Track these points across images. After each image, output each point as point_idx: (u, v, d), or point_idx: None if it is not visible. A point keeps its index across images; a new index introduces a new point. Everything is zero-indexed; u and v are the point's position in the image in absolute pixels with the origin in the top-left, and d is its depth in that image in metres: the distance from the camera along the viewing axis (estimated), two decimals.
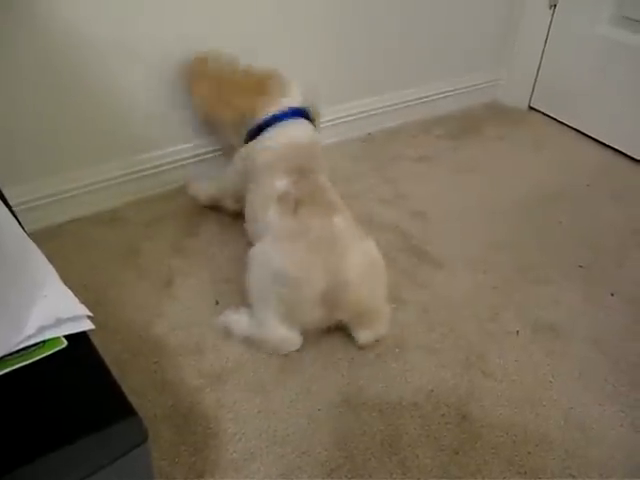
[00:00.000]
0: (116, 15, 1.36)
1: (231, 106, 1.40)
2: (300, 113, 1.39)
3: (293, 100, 1.39)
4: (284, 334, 1.18)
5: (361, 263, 1.16)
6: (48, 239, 1.34)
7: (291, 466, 1.00)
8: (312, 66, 1.76)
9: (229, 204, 1.52)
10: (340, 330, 1.23)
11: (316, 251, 1.13)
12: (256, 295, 1.20)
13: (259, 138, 1.37)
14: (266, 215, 1.22)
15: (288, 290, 1.13)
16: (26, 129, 1.37)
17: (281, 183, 1.24)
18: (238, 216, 1.52)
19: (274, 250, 1.16)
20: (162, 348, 1.20)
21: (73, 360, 0.64)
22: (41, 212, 1.44)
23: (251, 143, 1.38)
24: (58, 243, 1.41)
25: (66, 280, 0.72)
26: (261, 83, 1.40)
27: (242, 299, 1.30)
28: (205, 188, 1.56)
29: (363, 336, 1.21)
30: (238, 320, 1.23)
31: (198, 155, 1.66)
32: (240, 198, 1.42)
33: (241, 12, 1.54)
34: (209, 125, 1.57)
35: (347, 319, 1.19)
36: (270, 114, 1.37)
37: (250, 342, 1.21)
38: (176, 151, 1.62)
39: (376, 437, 1.06)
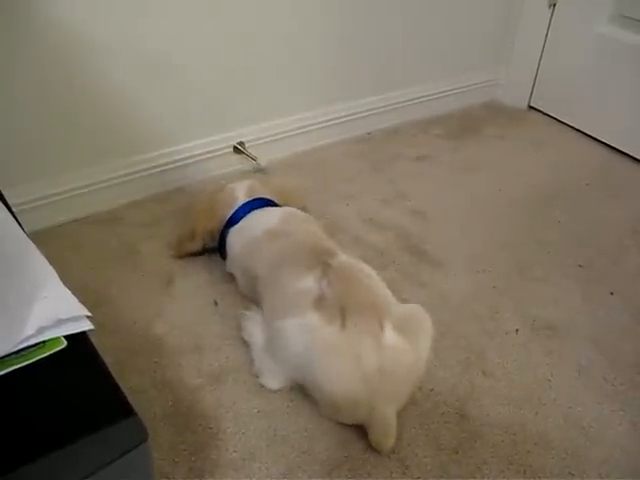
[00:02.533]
0: (114, 15, 1.36)
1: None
2: (262, 202, 1.36)
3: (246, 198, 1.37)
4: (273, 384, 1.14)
5: (406, 382, 1.06)
6: (47, 240, 1.34)
7: (291, 465, 1.01)
8: (312, 66, 1.76)
9: None
10: None
11: (366, 379, 0.99)
12: (279, 362, 1.11)
13: (231, 231, 1.33)
14: (303, 317, 1.05)
15: (326, 399, 1.05)
16: (25, 130, 1.37)
17: (306, 283, 1.09)
18: None
19: (319, 360, 1.02)
20: (161, 348, 1.20)
21: (73, 360, 0.64)
22: (40, 213, 1.44)
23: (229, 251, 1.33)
24: (57, 244, 1.41)
25: (65, 281, 0.72)
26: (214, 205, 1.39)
27: (241, 300, 1.31)
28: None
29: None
30: (257, 330, 1.19)
31: (196, 155, 1.67)
32: None
33: (241, 12, 1.54)
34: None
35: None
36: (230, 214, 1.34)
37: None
38: (175, 151, 1.63)
39: None
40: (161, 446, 1.02)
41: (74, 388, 0.63)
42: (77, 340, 0.66)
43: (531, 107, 2.24)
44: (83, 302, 0.70)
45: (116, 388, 0.63)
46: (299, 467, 1.01)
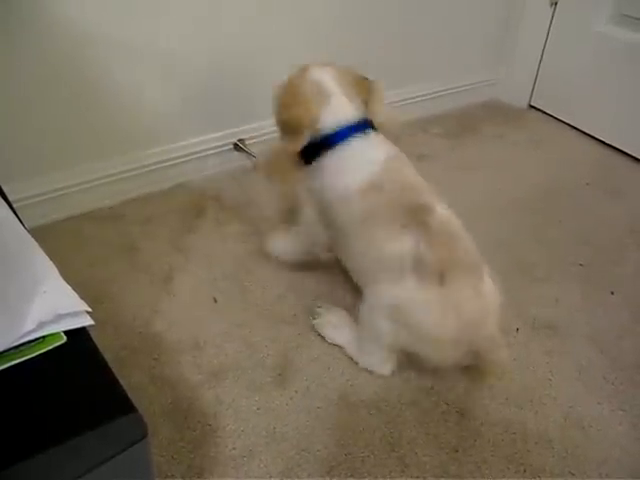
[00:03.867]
0: (117, 13, 1.36)
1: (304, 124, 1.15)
2: (364, 124, 1.16)
3: (343, 107, 1.15)
4: (385, 369, 1.17)
5: (497, 322, 1.09)
6: (47, 236, 1.32)
7: (290, 463, 1.00)
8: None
9: (321, 254, 1.34)
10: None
11: (466, 326, 1.03)
12: (375, 335, 1.12)
13: (324, 167, 1.14)
14: (400, 284, 1.04)
15: (430, 349, 1.08)
16: (24, 126, 1.37)
17: (402, 244, 1.04)
18: (236, 216, 1.52)
19: (422, 315, 1.03)
20: (161, 345, 1.19)
21: (72, 356, 0.64)
22: (39, 209, 1.43)
23: (316, 173, 1.16)
24: (57, 240, 1.41)
25: (65, 277, 0.72)
26: (320, 88, 1.17)
27: (240, 296, 1.30)
28: (287, 249, 1.35)
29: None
30: (339, 330, 1.22)
31: (196, 152, 1.66)
32: (328, 247, 1.28)
33: (242, 10, 1.53)
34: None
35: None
36: (342, 123, 1.14)
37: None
38: (174, 148, 1.62)
39: (375, 435, 1.06)
40: (160, 443, 1.01)
41: (74, 383, 0.62)
42: (77, 335, 0.66)
43: (531, 106, 2.24)
44: (83, 298, 0.69)
45: (116, 384, 0.63)
46: (298, 465, 1.00)
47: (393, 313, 1.06)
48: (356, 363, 1.18)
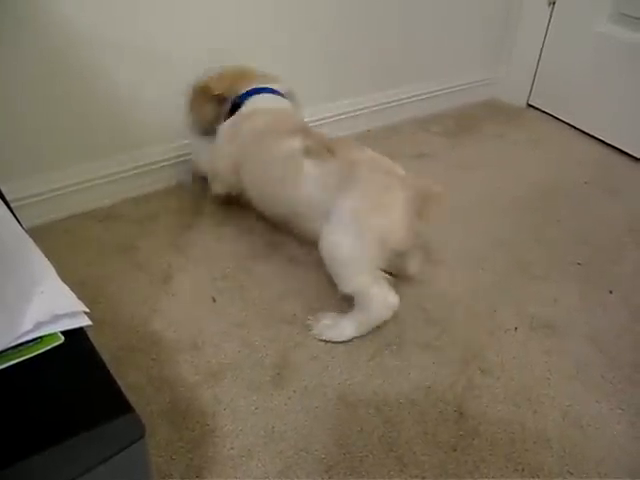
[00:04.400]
0: (113, 13, 1.35)
1: (214, 89, 1.45)
2: (279, 93, 1.46)
3: (273, 85, 1.46)
4: (391, 297, 1.21)
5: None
6: (44, 236, 1.33)
7: (289, 463, 1.00)
8: (311, 63, 1.76)
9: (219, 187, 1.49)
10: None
11: (383, 175, 1.21)
12: (356, 262, 1.19)
13: (242, 109, 1.42)
14: (300, 174, 1.23)
15: (384, 222, 1.17)
16: (22, 125, 1.37)
17: (293, 142, 1.26)
18: (235, 215, 1.52)
19: (352, 198, 1.17)
20: (159, 344, 1.19)
21: (70, 356, 0.64)
22: (37, 209, 1.43)
23: (235, 115, 1.43)
24: (54, 240, 1.41)
25: (62, 277, 0.72)
26: (245, 72, 1.48)
27: (239, 295, 1.30)
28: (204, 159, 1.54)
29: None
30: (339, 326, 1.23)
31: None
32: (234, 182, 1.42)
33: (240, 10, 1.53)
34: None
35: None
36: (249, 89, 1.43)
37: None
38: (172, 147, 1.62)
39: (374, 434, 1.06)
40: (158, 443, 1.01)
41: (71, 384, 0.62)
42: (74, 336, 0.66)
43: (530, 105, 2.24)
44: (81, 298, 0.69)
45: (114, 384, 0.63)
46: (297, 465, 1.00)
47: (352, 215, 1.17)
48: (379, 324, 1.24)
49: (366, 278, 1.18)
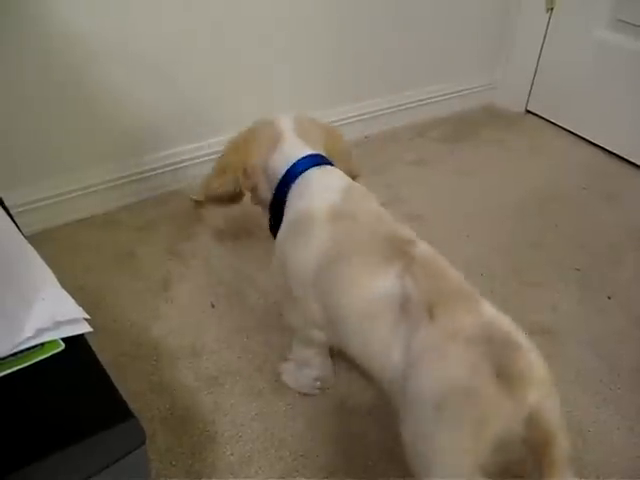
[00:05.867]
0: (115, 16, 1.36)
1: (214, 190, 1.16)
2: (319, 158, 1.06)
3: (311, 147, 1.07)
4: None
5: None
6: (43, 242, 1.32)
7: (288, 469, 1.00)
8: (309, 69, 1.76)
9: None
10: None
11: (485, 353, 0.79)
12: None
13: (295, 204, 1.01)
14: (392, 337, 0.84)
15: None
16: (21, 132, 1.37)
17: (387, 281, 0.86)
18: (233, 222, 1.53)
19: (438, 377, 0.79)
20: (159, 351, 1.19)
21: (71, 363, 0.64)
22: (35, 215, 1.43)
23: (291, 219, 1.01)
24: (53, 246, 1.41)
25: (62, 283, 0.72)
26: (258, 134, 1.13)
27: (238, 301, 1.30)
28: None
29: None
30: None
31: (193, 158, 1.66)
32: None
33: (239, 16, 1.54)
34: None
35: None
36: (290, 162, 1.04)
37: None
38: (172, 154, 1.62)
39: (373, 441, 1.06)
40: (158, 449, 1.01)
41: (72, 391, 0.62)
42: (75, 342, 0.66)
43: (528, 111, 2.24)
44: (80, 305, 0.70)
45: (114, 391, 0.63)
46: (296, 471, 1.00)
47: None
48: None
49: None
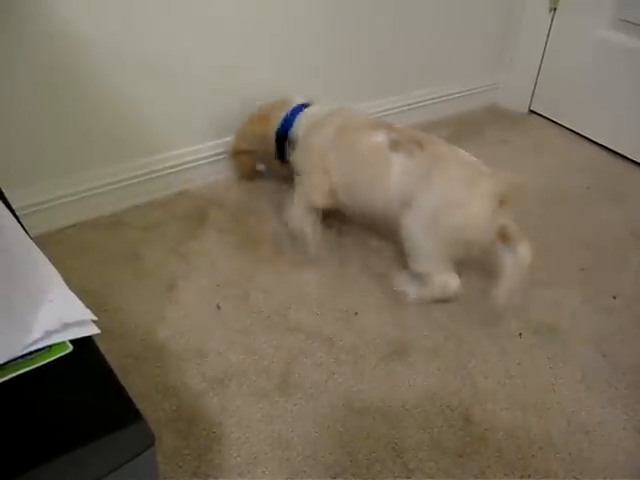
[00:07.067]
0: (116, 17, 1.36)
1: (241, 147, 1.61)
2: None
3: (295, 102, 1.52)
4: (452, 281, 1.30)
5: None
6: (49, 244, 1.34)
7: (295, 470, 1.00)
8: (312, 70, 1.76)
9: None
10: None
11: (467, 169, 1.26)
12: (428, 254, 1.28)
13: (298, 132, 1.45)
14: (388, 167, 1.27)
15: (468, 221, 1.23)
16: (26, 134, 1.37)
17: (377, 137, 1.31)
18: (238, 223, 1.53)
19: (441, 191, 1.23)
20: (165, 352, 1.20)
21: (79, 365, 0.64)
22: (41, 217, 1.44)
23: (298, 143, 1.45)
24: (59, 248, 1.41)
25: (67, 285, 0.72)
26: (271, 106, 1.55)
27: (244, 302, 1.31)
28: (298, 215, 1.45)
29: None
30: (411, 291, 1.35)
31: (198, 159, 1.67)
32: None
33: (242, 16, 1.54)
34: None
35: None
36: (288, 112, 1.49)
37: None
38: (177, 155, 1.63)
39: (380, 441, 1.06)
40: (165, 451, 1.01)
41: (81, 393, 0.63)
42: (82, 344, 0.66)
43: (532, 111, 2.24)
44: (86, 306, 0.70)
45: (122, 393, 0.63)
46: (303, 472, 1.00)
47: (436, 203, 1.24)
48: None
49: (433, 266, 1.29)
